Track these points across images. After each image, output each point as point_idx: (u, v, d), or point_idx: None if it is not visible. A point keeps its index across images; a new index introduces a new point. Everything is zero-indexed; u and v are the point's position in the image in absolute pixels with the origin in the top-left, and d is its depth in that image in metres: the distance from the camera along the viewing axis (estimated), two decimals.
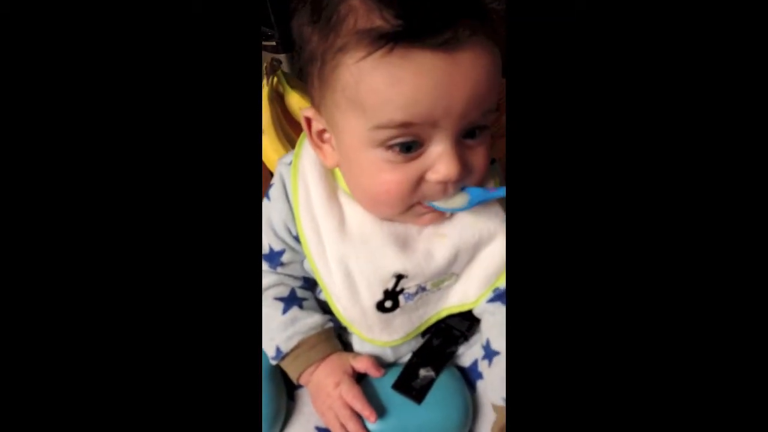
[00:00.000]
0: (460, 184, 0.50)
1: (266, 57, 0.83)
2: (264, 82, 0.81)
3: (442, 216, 0.53)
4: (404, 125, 0.45)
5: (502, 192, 0.50)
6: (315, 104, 0.51)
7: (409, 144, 0.46)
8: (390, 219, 0.54)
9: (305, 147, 0.57)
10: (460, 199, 0.51)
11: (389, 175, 0.48)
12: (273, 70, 0.80)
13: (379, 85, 0.44)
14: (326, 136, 0.52)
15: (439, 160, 0.47)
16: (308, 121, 0.52)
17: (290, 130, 0.83)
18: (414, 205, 0.51)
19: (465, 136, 0.48)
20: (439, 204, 0.51)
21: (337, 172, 0.56)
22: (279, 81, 0.82)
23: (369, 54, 0.43)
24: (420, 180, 0.48)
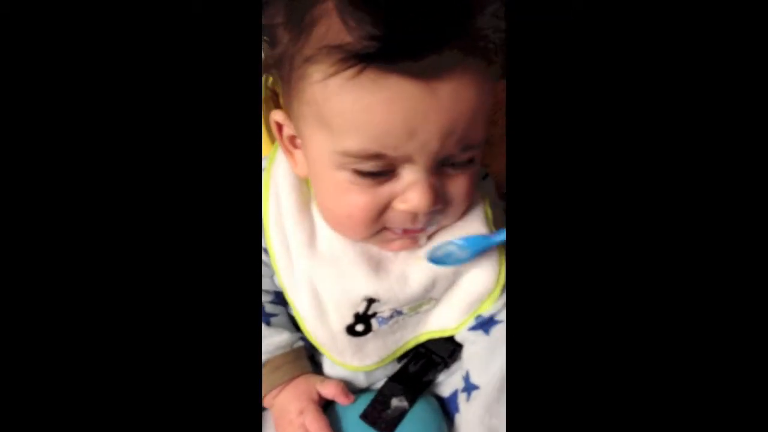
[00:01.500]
0: (432, 216, 0.45)
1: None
2: None
3: (414, 243, 0.49)
4: (375, 157, 0.40)
5: (502, 236, 0.46)
6: (285, 106, 0.47)
7: (378, 171, 0.42)
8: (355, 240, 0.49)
9: (280, 153, 0.53)
10: (460, 253, 0.48)
11: (354, 197, 0.43)
12: (266, 68, 0.76)
13: (347, 109, 0.39)
14: (299, 141, 0.48)
15: (411, 189, 0.42)
16: (278, 125, 0.48)
17: None
18: (380, 231, 0.46)
19: (444, 164, 0.43)
20: (432, 254, 0.47)
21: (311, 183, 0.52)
22: (275, 80, 0.79)
23: (336, 72, 0.38)
24: (386, 207, 0.44)
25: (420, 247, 0.49)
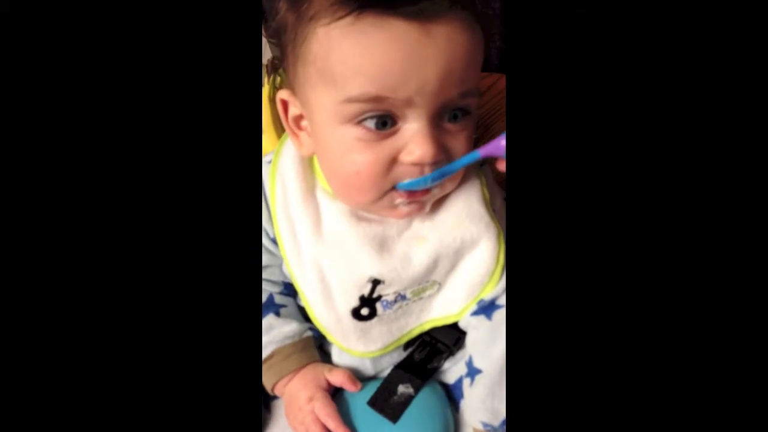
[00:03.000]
0: (437, 168, 0.46)
1: (268, 54, 0.81)
2: (265, 80, 0.78)
3: (421, 208, 0.50)
4: (376, 99, 0.42)
5: (474, 156, 0.46)
6: (290, 83, 0.49)
7: (383, 119, 0.43)
8: (365, 209, 0.51)
9: (287, 144, 0.55)
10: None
11: (360, 155, 0.45)
12: (274, 68, 0.78)
13: (349, 53, 0.41)
14: (303, 123, 0.50)
15: (414, 139, 0.44)
16: (284, 105, 0.50)
17: None
18: (388, 192, 0.47)
19: (444, 120, 0.45)
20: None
21: (317, 167, 0.54)
22: (281, 80, 0.80)
23: (338, 19, 0.41)
24: (393, 161, 0.45)
25: (426, 220, 0.51)
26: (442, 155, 0.45)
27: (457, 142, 0.46)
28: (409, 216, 0.50)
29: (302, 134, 0.51)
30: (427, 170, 0.45)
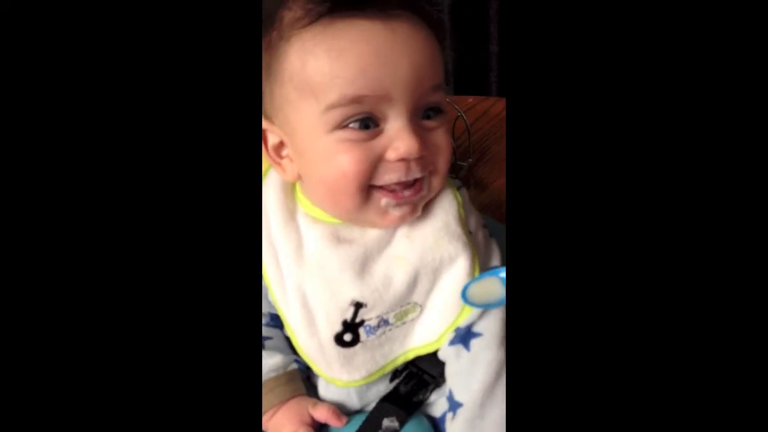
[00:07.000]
0: (422, 163, 0.47)
1: None
2: None
3: (414, 212, 0.50)
4: (356, 100, 0.44)
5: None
6: (266, 114, 0.50)
7: (365, 121, 0.45)
8: (355, 220, 0.51)
9: (269, 176, 0.56)
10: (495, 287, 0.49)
11: (345, 155, 0.46)
12: None
13: (323, 60, 0.44)
14: (284, 152, 0.51)
15: (398, 136, 0.45)
16: (263, 134, 0.51)
17: None
18: (373, 192, 0.47)
19: (420, 119, 0.47)
20: (475, 299, 0.48)
21: (298, 192, 0.54)
22: None
23: (310, 24, 0.44)
24: (378, 160, 0.46)
25: (406, 238, 0.51)
26: (427, 150, 0.47)
27: (438, 137, 0.48)
28: (402, 221, 0.50)
29: (284, 161, 0.52)
30: (414, 166, 0.46)
